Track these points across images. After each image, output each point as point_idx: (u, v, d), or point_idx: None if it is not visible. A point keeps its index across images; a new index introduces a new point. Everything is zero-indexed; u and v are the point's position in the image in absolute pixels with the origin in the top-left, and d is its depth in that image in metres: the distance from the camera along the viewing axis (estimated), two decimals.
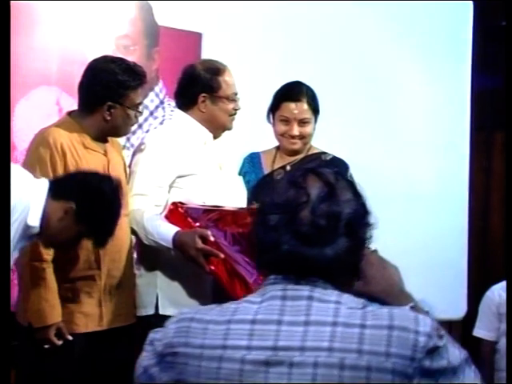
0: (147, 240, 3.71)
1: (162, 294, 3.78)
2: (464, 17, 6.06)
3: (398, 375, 1.74)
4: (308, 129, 4.08)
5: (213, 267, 3.59)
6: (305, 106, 4.05)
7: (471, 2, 6.10)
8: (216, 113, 3.89)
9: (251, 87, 4.38)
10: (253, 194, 4.03)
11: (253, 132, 4.54)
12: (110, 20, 4.47)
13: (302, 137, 4.08)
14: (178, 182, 3.81)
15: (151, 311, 3.77)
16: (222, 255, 3.58)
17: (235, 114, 3.93)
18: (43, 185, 3.24)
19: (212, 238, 3.59)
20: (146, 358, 1.90)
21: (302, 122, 4.06)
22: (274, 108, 4.09)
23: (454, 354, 1.80)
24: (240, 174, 4.16)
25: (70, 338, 3.53)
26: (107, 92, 3.63)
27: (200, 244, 3.56)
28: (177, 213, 3.70)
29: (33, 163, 3.52)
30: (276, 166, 4.15)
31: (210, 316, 1.86)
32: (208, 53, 4.63)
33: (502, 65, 6.18)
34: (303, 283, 1.84)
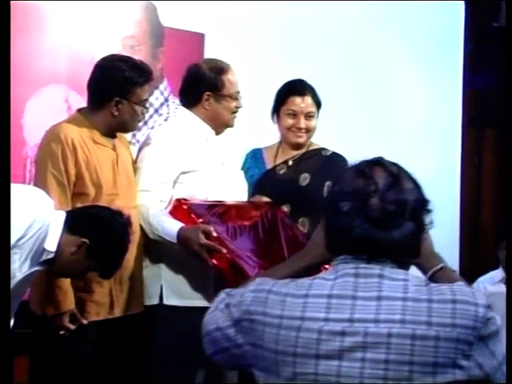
0: (152, 235, 3.70)
1: (166, 285, 3.77)
2: (456, 18, 6.06)
3: (461, 343, 1.89)
4: (313, 122, 4.11)
5: (215, 261, 3.59)
6: (310, 100, 4.09)
7: (463, 4, 6.11)
8: (219, 110, 3.89)
9: (252, 86, 4.38)
10: (256, 188, 4.05)
11: (254, 129, 4.55)
12: (116, 21, 4.48)
13: (307, 130, 4.10)
14: (182, 177, 3.80)
15: (156, 301, 3.76)
16: (225, 250, 3.58)
17: (237, 111, 3.92)
18: (61, 215, 3.23)
19: (215, 234, 3.59)
20: (220, 319, 2.04)
21: (308, 116, 4.09)
22: (279, 103, 4.11)
23: (497, 319, 1.95)
24: (243, 169, 4.16)
25: (85, 321, 3.53)
26: (115, 88, 3.62)
27: (203, 239, 3.56)
28: (181, 209, 3.71)
29: (44, 158, 3.52)
30: (278, 161, 4.16)
31: (287, 289, 1.97)
32: (210, 52, 4.64)
33: (493, 64, 6.21)
34: (373, 263, 1.96)
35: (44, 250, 3.19)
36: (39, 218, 3.12)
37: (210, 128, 3.90)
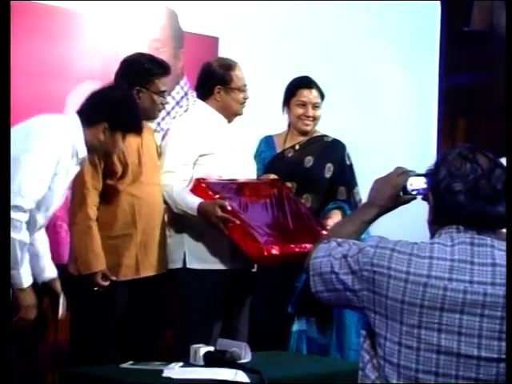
0: (176, 209, 3.73)
1: (189, 251, 3.78)
2: (433, 21, 6.04)
3: None
4: (318, 112, 4.13)
5: (230, 231, 3.63)
6: (316, 92, 4.12)
7: (439, 10, 6.07)
8: (229, 102, 3.89)
9: (261, 82, 4.37)
10: (267, 168, 4.07)
11: (264, 118, 4.56)
12: (143, 26, 4.47)
13: (314, 118, 4.12)
14: (200, 159, 3.81)
15: (179, 265, 3.78)
16: (238, 221, 3.61)
17: (245, 102, 3.93)
18: (75, 120, 3.24)
19: (229, 208, 3.61)
20: (336, 265, 2.04)
21: (315, 106, 4.12)
22: (290, 95, 4.13)
23: None
24: (257, 152, 4.18)
25: (114, 278, 3.54)
26: (136, 78, 3.63)
27: (219, 212, 3.59)
28: (200, 187, 3.73)
29: None
30: (287, 146, 4.18)
31: (411, 250, 1.98)
32: (224, 53, 4.61)
33: (464, 64, 6.19)
34: (483, 234, 2.01)
35: (77, 157, 3.24)
36: (62, 142, 3.14)
37: (223, 117, 3.91)
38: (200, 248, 3.78)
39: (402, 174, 2.22)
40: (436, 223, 2.08)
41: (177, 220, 3.79)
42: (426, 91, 5.87)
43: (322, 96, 4.14)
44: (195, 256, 3.78)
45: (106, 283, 3.52)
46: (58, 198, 3.26)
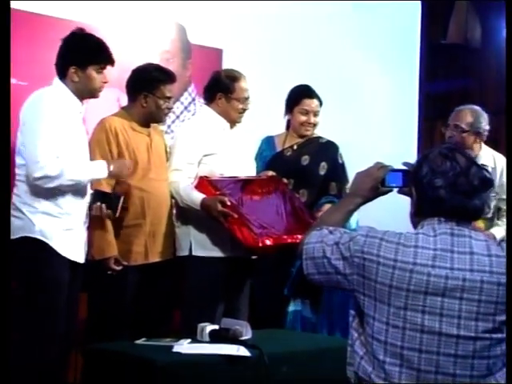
0: (182, 203, 3.73)
1: (194, 240, 3.78)
2: (413, 36, 6.03)
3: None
4: (318, 119, 4.13)
5: (229, 224, 3.64)
6: (317, 101, 4.11)
7: (419, 23, 6.05)
8: (228, 109, 3.87)
9: (260, 88, 4.35)
10: (268, 166, 4.05)
11: (264, 122, 4.55)
12: (155, 39, 4.47)
13: (314, 124, 4.12)
14: (204, 159, 3.81)
15: (186, 253, 3.79)
16: (236, 215, 3.62)
17: (243, 112, 3.90)
18: (55, 83, 3.24)
19: (228, 203, 3.62)
20: (328, 251, 2.05)
21: (315, 114, 4.11)
22: (294, 103, 4.12)
23: None
24: (259, 151, 4.17)
25: (126, 263, 3.55)
26: (143, 84, 3.65)
27: (220, 207, 3.60)
28: (203, 184, 3.73)
29: (94, 142, 3.55)
30: (286, 146, 4.17)
31: (398, 239, 1.99)
32: (227, 63, 4.62)
33: (442, 73, 6.19)
34: (462, 225, 2.02)
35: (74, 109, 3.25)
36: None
37: (225, 121, 3.89)
38: (204, 238, 3.78)
39: (381, 168, 2.23)
40: (418, 215, 2.08)
41: (183, 213, 3.80)
42: (407, 97, 5.86)
43: (321, 104, 4.14)
44: (200, 245, 3.78)
45: (119, 268, 3.52)
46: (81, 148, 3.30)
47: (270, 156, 4.15)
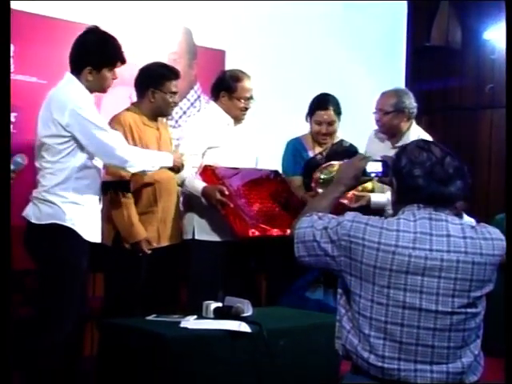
0: (186, 190, 3.75)
1: (197, 225, 3.80)
2: (399, 38, 6.00)
3: (495, 266, 2.02)
4: (334, 127, 4.04)
5: (224, 212, 3.64)
6: (331, 112, 4.00)
7: (405, 25, 6.03)
8: (230, 107, 3.86)
9: (262, 88, 4.32)
10: (305, 170, 3.99)
11: (266, 120, 4.52)
12: (164, 41, 4.46)
13: (329, 134, 4.04)
14: (208, 151, 3.81)
15: (190, 236, 3.80)
16: (232, 205, 3.62)
17: (245, 110, 3.88)
18: (70, 79, 3.18)
19: (227, 193, 3.63)
20: (318, 235, 2.06)
21: (329, 124, 4.02)
22: (310, 114, 4.05)
23: None
24: (291, 152, 4.09)
25: (154, 243, 3.56)
26: (151, 81, 3.63)
27: (218, 196, 3.61)
28: (207, 172, 3.74)
29: None
30: (316, 150, 4.07)
31: (381, 224, 2.00)
32: (230, 63, 4.61)
33: (425, 73, 6.18)
34: (439, 210, 2.03)
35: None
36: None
37: (230, 117, 3.88)
38: (206, 223, 3.79)
39: (363, 159, 2.28)
40: (399, 203, 2.10)
41: (188, 201, 3.81)
42: None
43: (339, 113, 4.03)
44: (202, 229, 3.79)
45: (149, 251, 3.52)
46: None
47: (306, 157, 4.06)
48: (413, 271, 1.96)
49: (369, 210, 3.71)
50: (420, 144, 2.08)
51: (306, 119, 4.08)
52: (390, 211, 3.68)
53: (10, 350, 2.37)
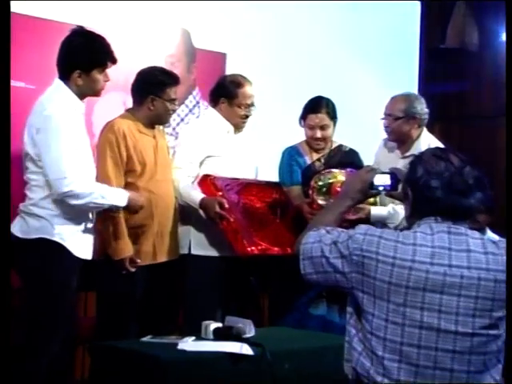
0: (181, 201, 3.75)
1: (194, 239, 3.81)
2: (413, 40, 6.03)
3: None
4: (327, 132, 4.03)
5: (223, 226, 3.65)
6: (324, 115, 4.00)
7: (417, 26, 6.05)
8: (230, 114, 3.88)
9: (263, 93, 4.33)
10: (303, 176, 4.01)
11: (268, 126, 4.53)
12: (160, 43, 4.47)
13: (323, 139, 4.03)
14: (207, 160, 3.82)
15: (186, 251, 3.80)
16: (232, 219, 3.62)
17: (246, 118, 3.89)
18: (58, 85, 3.21)
19: (226, 205, 3.63)
20: (326, 250, 2.05)
21: (323, 128, 4.02)
22: (302, 118, 4.05)
23: None
24: (287, 160, 4.10)
25: (139, 260, 3.54)
26: (150, 88, 3.64)
27: (217, 209, 3.62)
28: (206, 182, 3.74)
29: (104, 144, 3.54)
30: (313, 154, 4.09)
31: (396, 237, 2.00)
32: (230, 67, 4.62)
33: (440, 76, 6.19)
34: (458, 223, 2.02)
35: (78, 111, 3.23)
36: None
37: (229, 124, 3.89)
38: (203, 237, 3.80)
39: (370, 171, 2.26)
40: (415, 216, 2.09)
41: (184, 212, 3.80)
42: None
43: (333, 117, 4.03)
44: (199, 243, 3.80)
45: (133, 269, 3.52)
46: (86, 159, 3.27)
47: (303, 164, 4.08)
48: (431, 288, 1.95)
49: (368, 223, 3.72)
50: (437, 152, 2.07)
51: (300, 123, 4.08)
52: (391, 225, 3.77)
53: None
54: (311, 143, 4.07)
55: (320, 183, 3.79)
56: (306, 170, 4.04)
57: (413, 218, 2.10)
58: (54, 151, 3.10)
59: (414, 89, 5.72)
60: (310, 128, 4.03)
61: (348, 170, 3.78)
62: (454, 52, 6.13)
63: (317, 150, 4.08)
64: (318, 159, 4.07)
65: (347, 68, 5.35)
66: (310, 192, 3.83)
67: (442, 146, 3.69)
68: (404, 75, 5.83)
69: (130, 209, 3.42)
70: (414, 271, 1.95)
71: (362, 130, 4.26)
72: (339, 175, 3.76)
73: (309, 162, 4.08)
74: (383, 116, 3.97)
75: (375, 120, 4.08)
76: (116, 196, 3.32)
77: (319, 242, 2.07)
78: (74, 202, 3.15)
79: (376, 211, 3.81)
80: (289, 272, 3.80)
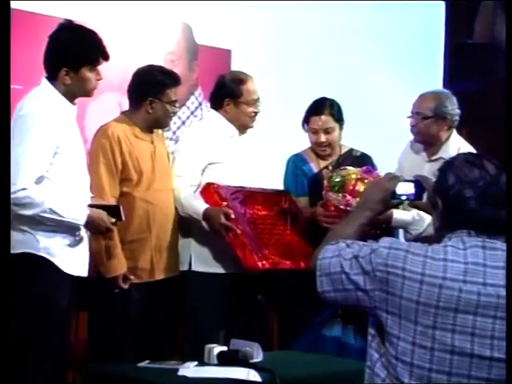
0: (183, 212, 3.72)
1: (195, 254, 3.78)
2: (437, 36, 6.02)
3: None
4: (332, 136, 4.00)
5: (229, 239, 3.62)
6: (327, 117, 3.97)
7: (443, 23, 6.06)
8: (238, 115, 3.86)
9: (270, 91, 4.33)
10: (310, 188, 4.00)
11: (276, 126, 4.51)
12: (159, 39, 4.49)
13: (328, 143, 4.01)
14: (209, 167, 3.80)
15: (186, 267, 3.78)
16: (239, 231, 3.61)
17: (255, 115, 3.88)
18: (44, 85, 3.18)
19: (233, 216, 3.61)
20: (347, 266, 2.01)
21: (327, 132, 3.99)
22: (305, 122, 4.04)
23: None
24: (291, 170, 4.09)
25: (132, 277, 3.52)
26: (149, 89, 3.62)
27: (223, 219, 3.59)
28: (209, 191, 3.72)
29: (96, 151, 3.53)
30: (319, 161, 4.07)
31: (425, 252, 1.96)
32: (237, 65, 4.64)
33: (468, 74, 6.16)
34: (494, 238, 1.99)
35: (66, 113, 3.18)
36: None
37: (234, 127, 3.87)
38: (205, 252, 3.78)
39: (392, 179, 2.25)
40: (445, 228, 2.06)
41: (184, 224, 3.78)
42: None
43: (338, 119, 4.00)
44: (200, 259, 3.78)
45: (126, 286, 3.51)
46: (75, 166, 3.22)
47: (309, 172, 4.06)
48: (463, 309, 1.91)
49: (389, 228, 3.69)
50: (470, 158, 2.03)
51: (303, 127, 4.07)
52: (414, 232, 3.73)
53: None
54: (316, 149, 4.06)
55: (333, 180, 3.74)
56: (313, 179, 4.02)
57: (443, 230, 2.06)
58: (17, 154, 3.04)
59: (438, 86, 5.69)
60: (313, 132, 4.02)
61: (364, 168, 3.74)
62: (482, 48, 6.10)
63: (323, 157, 4.06)
64: (326, 167, 4.05)
65: (362, 66, 5.38)
66: (324, 192, 3.79)
67: (473, 150, 3.65)
68: (427, 74, 5.85)
69: (92, 229, 3.30)
70: (445, 290, 1.92)
71: (382, 133, 4.24)
72: (353, 173, 3.72)
73: (314, 169, 4.07)
74: (410, 114, 3.92)
75: (396, 122, 4.05)
76: (73, 212, 3.18)
77: (338, 256, 2.05)
78: (20, 211, 3.06)
79: (399, 215, 3.76)
80: (301, 288, 3.79)
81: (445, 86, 5.86)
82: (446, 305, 1.91)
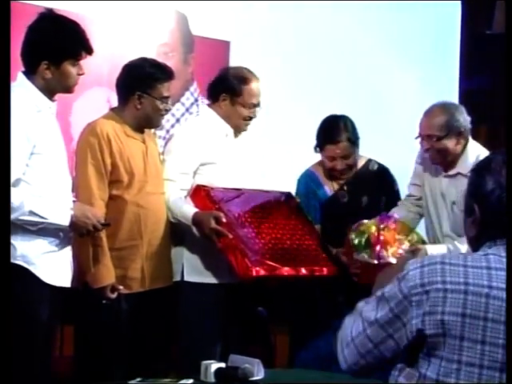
0: (172, 218, 3.72)
1: (187, 263, 3.79)
2: (453, 25, 6.04)
3: None
4: (350, 160, 4.03)
5: (221, 245, 3.63)
6: (344, 143, 3.98)
7: (459, 14, 6.08)
8: (231, 114, 3.85)
9: (269, 88, 4.34)
10: (325, 211, 4.03)
11: (276, 123, 4.53)
12: (152, 30, 4.49)
13: (348, 167, 4.04)
14: (201, 169, 3.80)
15: (178, 278, 3.78)
16: (231, 236, 3.61)
17: (250, 120, 3.87)
18: (21, 80, 3.18)
19: (224, 220, 3.61)
20: (371, 316, 1.95)
21: (345, 158, 4.01)
22: (319, 147, 4.04)
23: None
24: (308, 189, 4.11)
25: (121, 287, 3.52)
26: (137, 83, 3.61)
27: (213, 224, 3.59)
28: (199, 194, 3.74)
29: (84, 150, 3.53)
30: (335, 185, 4.10)
31: (463, 261, 1.92)
32: (235, 58, 4.64)
33: (487, 68, 6.18)
34: None
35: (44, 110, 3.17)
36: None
37: (229, 126, 3.87)
38: (198, 261, 3.78)
39: (404, 262, 2.10)
40: (483, 237, 2.01)
41: (176, 232, 3.78)
42: (445, 97, 5.82)
43: (355, 142, 4.01)
44: (193, 269, 3.78)
45: (115, 295, 3.51)
46: (54, 167, 3.21)
47: (323, 196, 4.09)
48: None
49: None
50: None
51: (315, 150, 4.07)
52: None
53: None
54: (335, 174, 4.08)
55: (356, 241, 3.74)
56: (329, 204, 4.05)
57: (481, 239, 2.01)
58: None
59: (454, 80, 5.70)
60: (329, 160, 4.03)
61: (379, 217, 3.72)
62: (503, 39, 6.11)
63: (343, 178, 4.09)
64: (341, 188, 4.08)
65: (373, 61, 5.40)
66: (347, 250, 3.76)
67: None
68: (442, 70, 5.86)
69: (77, 229, 3.31)
70: (492, 299, 1.87)
71: (398, 132, 4.25)
72: (372, 225, 3.71)
73: (329, 192, 4.09)
74: (418, 135, 3.83)
75: (412, 120, 4.05)
76: (56, 213, 3.20)
77: (359, 317, 1.99)
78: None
79: (433, 250, 3.70)
80: (303, 298, 3.80)
81: (461, 78, 5.88)
82: (495, 317, 1.87)
